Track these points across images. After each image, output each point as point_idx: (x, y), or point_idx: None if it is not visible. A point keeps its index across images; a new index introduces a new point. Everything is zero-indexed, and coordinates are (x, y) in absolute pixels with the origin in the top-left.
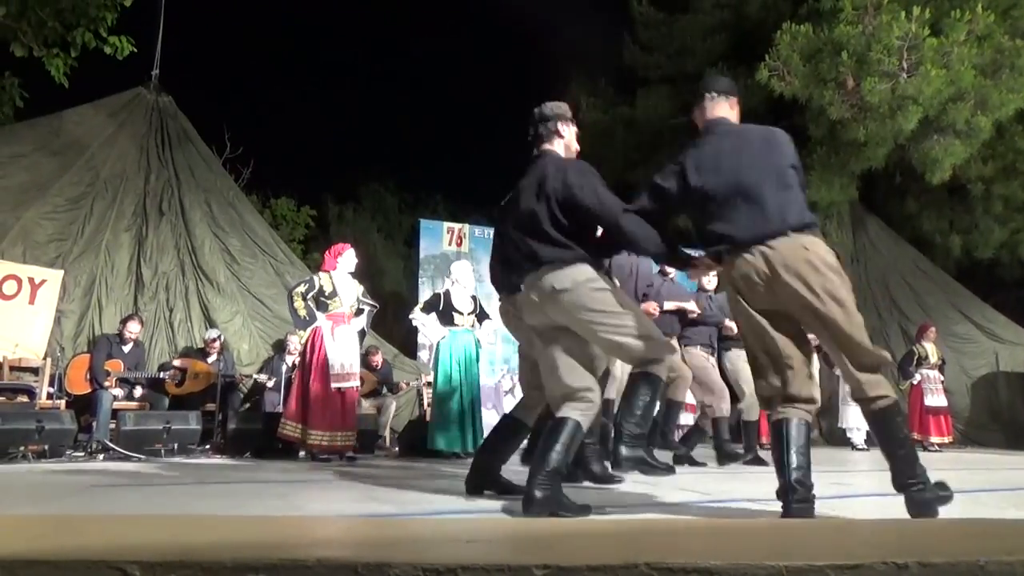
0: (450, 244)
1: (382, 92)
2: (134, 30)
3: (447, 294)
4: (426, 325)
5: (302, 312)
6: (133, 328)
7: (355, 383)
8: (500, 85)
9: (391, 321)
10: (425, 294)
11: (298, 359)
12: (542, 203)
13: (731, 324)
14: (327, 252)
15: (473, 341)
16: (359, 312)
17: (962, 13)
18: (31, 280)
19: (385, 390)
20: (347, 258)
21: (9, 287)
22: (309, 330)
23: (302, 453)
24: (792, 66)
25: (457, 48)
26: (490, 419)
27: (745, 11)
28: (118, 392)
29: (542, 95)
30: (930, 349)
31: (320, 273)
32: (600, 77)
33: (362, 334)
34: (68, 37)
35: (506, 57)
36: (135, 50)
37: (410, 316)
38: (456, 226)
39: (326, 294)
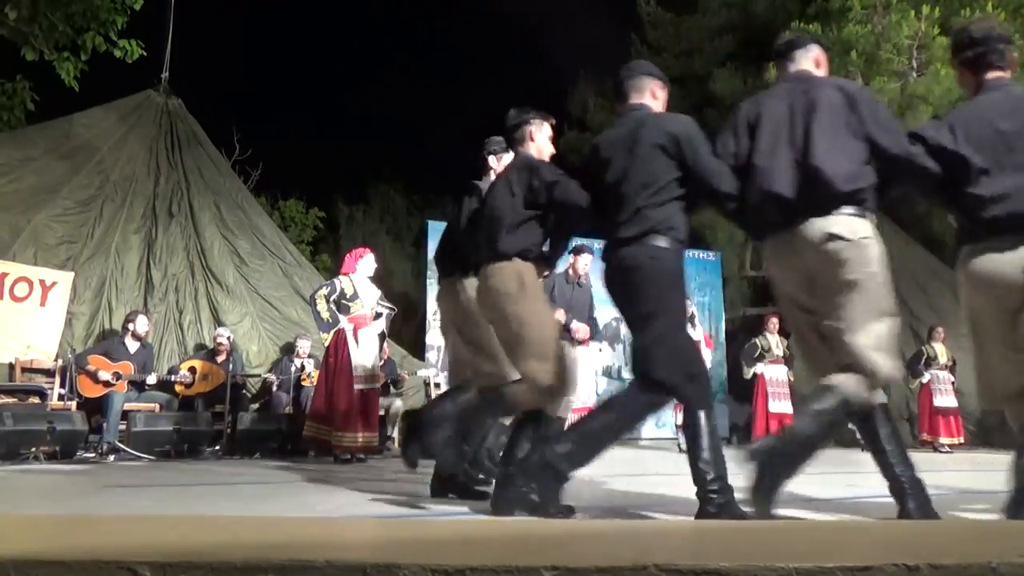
0: None
1: (390, 93)
2: (143, 33)
3: None
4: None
5: (325, 315)
6: (141, 324)
7: (377, 384)
8: (508, 86)
9: (400, 322)
10: (434, 295)
11: (308, 361)
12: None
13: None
14: (347, 255)
15: None
16: (377, 316)
17: (972, 12)
18: (42, 282)
19: (391, 389)
20: (367, 262)
21: (20, 289)
22: (332, 333)
23: (311, 453)
24: None
25: (466, 49)
26: None
27: (753, 11)
28: (107, 376)
29: (550, 95)
30: (939, 350)
31: (341, 276)
32: (608, 77)
33: (382, 336)
34: (78, 40)
35: (514, 58)
36: (144, 53)
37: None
38: None
39: (347, 297)
